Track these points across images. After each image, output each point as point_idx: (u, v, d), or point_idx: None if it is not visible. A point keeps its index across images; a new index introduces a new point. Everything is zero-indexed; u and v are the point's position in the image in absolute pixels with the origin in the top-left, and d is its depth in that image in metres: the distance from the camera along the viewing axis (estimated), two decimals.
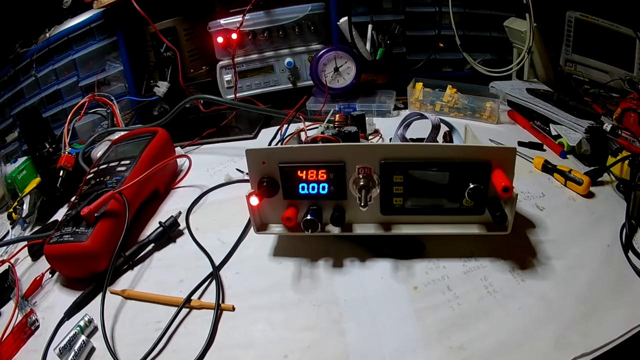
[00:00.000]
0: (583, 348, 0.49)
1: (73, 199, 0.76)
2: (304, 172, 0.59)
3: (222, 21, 1.13)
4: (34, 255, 0.76)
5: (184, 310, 0.60)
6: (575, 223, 0.68)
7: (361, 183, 0.58)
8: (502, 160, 0.56)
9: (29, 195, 0.91)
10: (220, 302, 0.60)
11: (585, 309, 0.54)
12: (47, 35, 1.19)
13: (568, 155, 0.86)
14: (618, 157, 0.76)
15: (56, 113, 1.23)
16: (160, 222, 0.73)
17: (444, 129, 0.72)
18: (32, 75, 1.21)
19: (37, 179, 0.96)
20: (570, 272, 0.59)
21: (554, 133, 0.90)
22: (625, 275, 0.58)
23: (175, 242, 0.73)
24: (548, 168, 0.80)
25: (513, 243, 0.64)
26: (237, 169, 0.91)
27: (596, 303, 0.55)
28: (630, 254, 0.61)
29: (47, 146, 0.99)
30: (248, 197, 0.60)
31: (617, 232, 0.65)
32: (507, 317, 0.54)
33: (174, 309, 0.59)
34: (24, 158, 1.02)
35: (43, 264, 0.69)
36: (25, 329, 0.60)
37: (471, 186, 0.56)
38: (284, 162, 0.59)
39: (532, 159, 0.83)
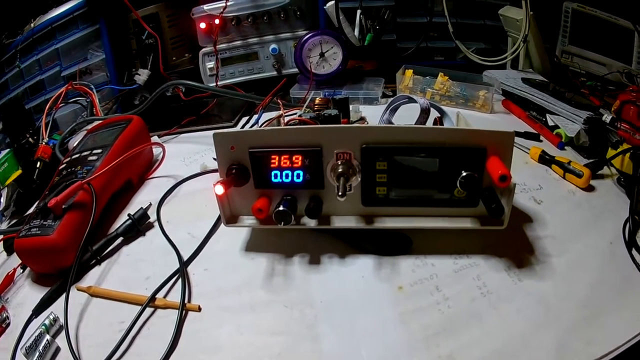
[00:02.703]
0: (587, 356, 0.45)
1: (46, 190, 0.72)
2: (277, 158, 0.55)
3: (205, 7, 1.10)
4: (8, 249, 0.72)
5: (149, 310, 0.56)
6: (576, 218, 0.64)
7: (339, 170, 0.53)
8: (499, 146, 0.51)
9: (6, 188, 0.87)
10: (186, 301, 0.56)
11: (587, 312, 0.50)
12: (32, 25, 1.17)
13: (566, 147, 0.82)
14: (618, 150, 0.72)
15: (39, 104, 1.20)
16: (129, 215, 0.69)
17: (434, 114, 0.67)
18: (16, 66, 1.18)
19: (19, 171, 0.92)
20: (570, 272, 0.55)
21: (550, 124, 0.86)
22: (629, 275, 0.54)
23: (144, 235, 0.69)
24: (545, 159, 0.76)
25: (509, 239, 0.60)
26: (213, 158, 0.87)
27: (599, 306, 0.50)
28: (634, 251, 0.57)
29: (28, 137, 0.98)
30: (214, 185, 0.55)
31: (619, 228, 0.61)
32: (502, 321, 0.49)
33: (139, 308, 0.55)
34: (7, 150, 0.97)
35: (17, 258, 0.65)
36: None
37: (464, 174, 0.51)
38: (254, 147, 0.55)
39: (529, 149, 0.79)
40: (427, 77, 1.03)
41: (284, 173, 0.56)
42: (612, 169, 0.73)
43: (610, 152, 0.74)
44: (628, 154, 0.70)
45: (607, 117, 0.80)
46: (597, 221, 0.63)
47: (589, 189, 0.70)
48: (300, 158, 0.54)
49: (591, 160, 0.75)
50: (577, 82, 1.05)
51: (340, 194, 0.51)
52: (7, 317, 0.58)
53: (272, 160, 0.55)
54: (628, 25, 0.98)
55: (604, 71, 1.06)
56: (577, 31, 1.09)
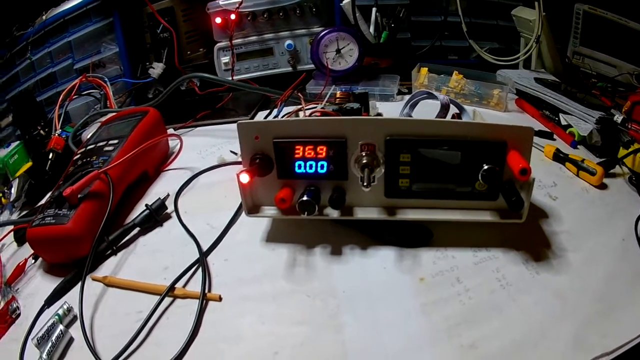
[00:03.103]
0: (602, 348, 0.46)
1: (60, 180, 0.72)
2: (301, 148, 0.55)
3: (221, 2, 1.09)
4: (19, 240, 0.72)
5: (168, 300, 0.55)
6: (589, 215, 0.65)
7: (364, 161, 0.53)
8: (519, 140, 0.52)
9: (17, 179, 0.88)
10: (206, 291, 0.55)
11: (602, 306, 0.50)
12: (44, 17, 1.17)
13: (578, 146, 0.82)
14: (630, 149, 0.72)
15: (50, 96, 1.19)
16: (146, 205, 0.69)
17: (452, 110, 0.67)
18: (27, 58, 1.18)
19: (29, 163, 0.93)
20: (586, 267, 0.56)
21: (563, 123, 0.86)
22: None
23: (162, 226, 0.69)
24: (560, 157, 0.76)
25: (526, 233, 0.60)
26: (231, 151, 0.87)
27: (613, 300, 0.51)
28: None
29: (39, 129, 0.97)
30: (238, 174, 0.55)
31: (631, 225, 0.61)
32: (521, 313, 0.50)
33: (157, 298, 0.54)
34: (17, 142, 0.98)
35: (28, 249, 0.65)
36: (7, 317, 0.56)
37: (485, 167, 0.52)
38: (279, 137, 0.55)
39: (543, 147, 0.80)
40: (442, 75, 1.03)
41: (307, 163, 0.56)
42: (624, 168, 0.73)
43: (622, 152, 0.74)
44: (639, 154, 0.70)
45: (618, 118, 0.80)
46: (610, 218, 0.64)
47: (602, 187, 0.70)
48: (324, 149, 0.54)
49: (603, 159, 0.75)
50: (588, 83, 1.06)
51: (365, 184, 0.51)
52: (18, 308, 0.58)
53: (297, 151, 0.55)
54: (638, 27, 0.98)
55: (615, 72, 1.06)
56: (588, 33, 1.09)
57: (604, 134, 0.81)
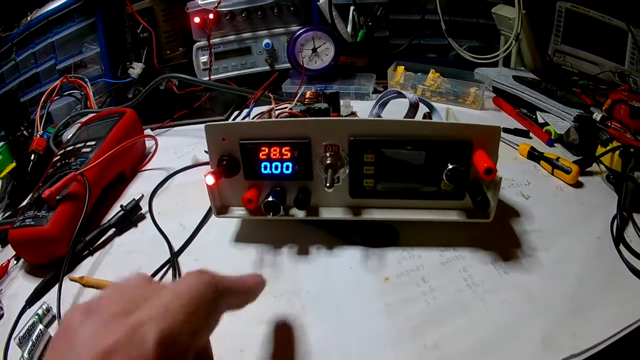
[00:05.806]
0: (571, 349, 0.45)
1: (40, 182, 0.72)
2: (267, 149, 0.55)
3: (199, 1, 1.10)
4: (2, 241, 0.72)
5: None
6: (563, 213, 0.64)
7: (327, 162, 0.53)
8: (485, 140, 0.51)
9: (0, 181, 0.88)
10: None
11: (573, 305, 0.50)
12: (29, 18, 1.17)
13: (555, 144, 0.82)
14: (608, 147, 0.72)
15: (34, 97, 1.20)
16: (121, 206, 0.69)
17: (423, 109, 0.67)
18: (12, 59, 1.18)
19: (13, 164, 0.92)
20: (557, 265, 0.55)
21: (540, 121, 0.86)
22: (616, 270, 0.54)
23: (136, 226, 0.69)
24: (534, 155, 0.76)
25: (496, 232, 0.59)
26: (205, 151, 0.86)
27: (585, 300, 0.50)
28: (621, 247, 0.57)
29: (23, 130, 0.97)
30: (205, 176, 0.55)
31: (607, 223, 0.61)
32: (488, 313, 0.49)
33: None
34: (1, 143, 0.98)
35: (12, 250, 0.65)
36: None
37: (450, 167, 0.51)
38: (245, 138, 0.54)
39: (518, 145, 0.79)
40: (419, 74, 1.03)
41: (273, 164, 0.55)
42: (602, 166, 0.73)
43: (600, 150, 0.74)
44: (617, 152, 0.70)
45: (597, 116, 0.80)
46: (584, 217, 0.63)
47: (578, 185, 0.70)
48: (289, 150, 0.54)
49: (580, 157, 0.75)
50: (569, 80, 1.06)
51: (328, 185, 0.51)
52: (1, 308, 0.58)
53: (262, 152, 0.55)
54: (621, 25, 0.98)
55: (597, 70, 1.06)
56: (570, 30, 1.10)
57: (582, 132, 0.81)
